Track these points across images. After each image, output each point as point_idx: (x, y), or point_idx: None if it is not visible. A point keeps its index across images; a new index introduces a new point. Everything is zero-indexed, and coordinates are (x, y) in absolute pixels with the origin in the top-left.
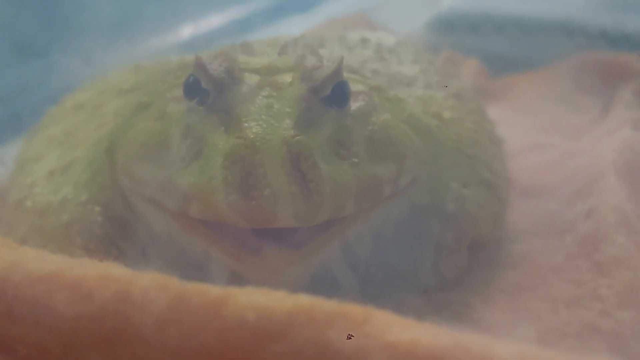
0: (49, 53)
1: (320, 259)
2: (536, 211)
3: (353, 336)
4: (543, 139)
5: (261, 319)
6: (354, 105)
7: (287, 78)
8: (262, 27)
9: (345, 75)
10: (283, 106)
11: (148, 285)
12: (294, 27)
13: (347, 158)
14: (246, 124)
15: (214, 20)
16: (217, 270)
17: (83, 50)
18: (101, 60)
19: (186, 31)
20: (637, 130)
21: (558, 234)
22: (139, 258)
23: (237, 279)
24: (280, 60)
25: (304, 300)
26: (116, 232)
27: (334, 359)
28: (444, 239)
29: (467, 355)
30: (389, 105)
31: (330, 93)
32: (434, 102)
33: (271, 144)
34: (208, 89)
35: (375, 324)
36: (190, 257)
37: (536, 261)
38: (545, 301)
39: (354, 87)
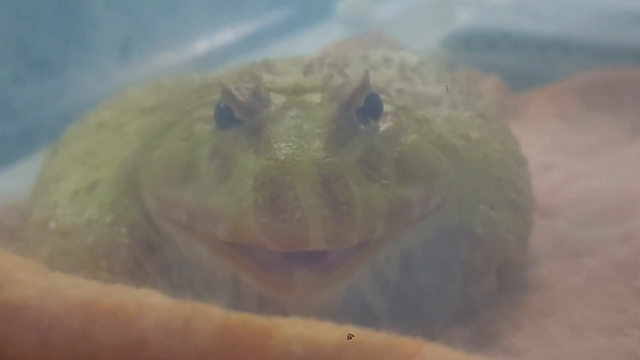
0: (64, 69)
1: (351, 282)
2: (555, 233)
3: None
4: (561, 158)
5: (308, 351)
6: (383, 125)
7: (315, 98)
8: (275, 43)
9: None
10: (313, 127)
11: (190, 314)
12: (309, 43)
13: (377, 180)
14: (276, 145)
15: (228, 36)
16: (246, 294)
17: (98, 67)
18: (116, 76)
19: (200, 47)
20: None
21: (583, 257)
22: (166, 281)
23: (266, 303)
24: (307, 80)
25: (352, 332)
26: (142, 254)
27: None
28: (473, 262)
29: None
30: (416, 126)
31: (364, 105)
32: (460, 122)
33: (302, 166)
34: (240, 118)
35: (427, 357)
36: (218, 280)
37: (562, 286)
38: (579, 328)
39: None
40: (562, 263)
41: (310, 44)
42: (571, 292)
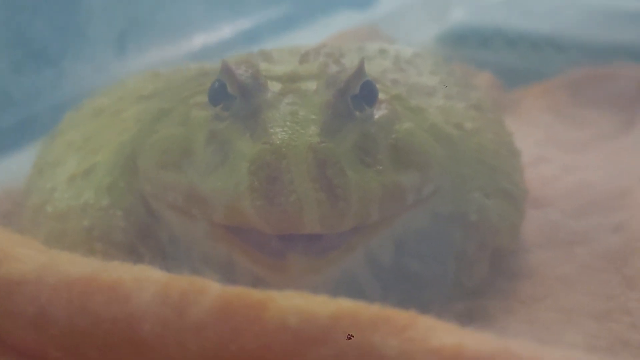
0: (62, 59)
1: (344, 266)
2: (548, 223)
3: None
4: (554, 151)
5: (303, 322)
6: (378, 113)
7: (311, 85)
8: (272, 38)
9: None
10: (308, 113)
11: (187, 288)
12: (304, 38)
13: (371, 165)
14: (272, 130)
15: (225, 30)
16: (241, 276)
17: (95, 58)
18: (112, 68)
19: (197, 41)
20: None
21: (575, 246)
22: (161, 264)
23: (260, 286)
24: (303, 68)
25: (347, 304)
26: (138, 237)
27: None
28: (466, 249)
29: None
30: (411, 115)
31: (359, 93)
32: (454, 112)
33: (297, 150)
34: (234, 95)
35: (419, 329)
36: (213, 263)
37: (554, 273)
38: (570, 314)
39: None
40: (554, 252)
41: (306, 41)
42: (563, 280)
